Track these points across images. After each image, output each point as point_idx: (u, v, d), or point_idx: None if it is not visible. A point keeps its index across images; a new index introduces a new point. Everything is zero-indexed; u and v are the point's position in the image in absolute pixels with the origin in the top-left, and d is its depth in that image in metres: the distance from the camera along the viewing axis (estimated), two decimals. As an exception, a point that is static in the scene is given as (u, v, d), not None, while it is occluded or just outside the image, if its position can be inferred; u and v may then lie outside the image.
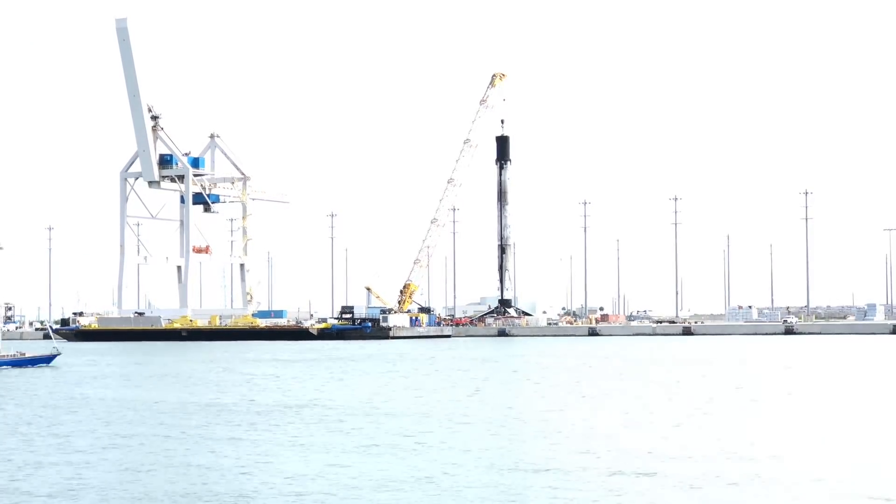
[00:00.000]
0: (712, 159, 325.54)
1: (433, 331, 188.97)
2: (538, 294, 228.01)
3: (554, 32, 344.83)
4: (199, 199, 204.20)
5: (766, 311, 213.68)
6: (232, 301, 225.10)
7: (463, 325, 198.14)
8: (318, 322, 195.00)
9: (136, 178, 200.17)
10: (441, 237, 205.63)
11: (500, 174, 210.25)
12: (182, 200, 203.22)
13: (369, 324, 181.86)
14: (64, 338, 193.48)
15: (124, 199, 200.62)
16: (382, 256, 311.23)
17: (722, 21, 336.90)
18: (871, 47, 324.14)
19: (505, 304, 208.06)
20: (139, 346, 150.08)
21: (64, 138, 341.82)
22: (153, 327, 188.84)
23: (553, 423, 44.48)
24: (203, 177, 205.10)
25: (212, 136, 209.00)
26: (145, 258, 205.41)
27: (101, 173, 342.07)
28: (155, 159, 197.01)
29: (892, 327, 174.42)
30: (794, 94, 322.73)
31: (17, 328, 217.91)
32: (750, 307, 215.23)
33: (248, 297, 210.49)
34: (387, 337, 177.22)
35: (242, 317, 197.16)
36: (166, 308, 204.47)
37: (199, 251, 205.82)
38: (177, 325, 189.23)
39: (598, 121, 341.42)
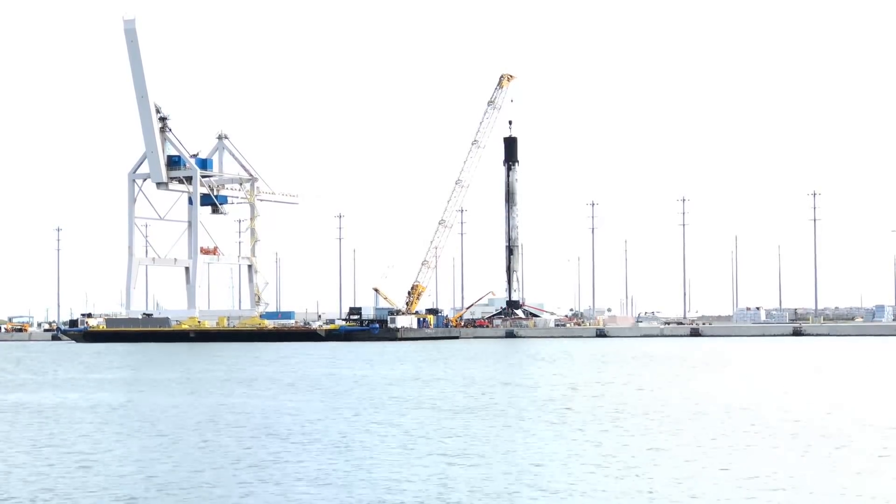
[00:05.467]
0: (720, 160, 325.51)
1: (441, 332, 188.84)
2: (546, 295, 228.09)
3: (562, 34, 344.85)
4: (207, 200, 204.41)
5: (773, 312, 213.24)
6: (240, 302, 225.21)
7: (469, 327, 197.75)
8: (326, 323, 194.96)
9: (145, 180, 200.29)
10: (449, 238, 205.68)
11: (508, 175, 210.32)
12: (190, 202, 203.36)
13: (377, 325, 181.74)
14: (72, 339, 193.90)
15: (132, 200, 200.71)
16: (390, 257, 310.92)
17: (729, 22, 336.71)
18: (879, 48, 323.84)
19: (513, 305, 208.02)
20: (165, 348, 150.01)
21: (72, 139, 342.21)
22: (161, 328, 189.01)
23: None
24: (211, 178, 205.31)
25: (220, 137, 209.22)
26: (153, 259, 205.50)
27: (110, 174, 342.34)
28: (163, 161, 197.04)
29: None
30: (802, 95, 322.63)
31: None
32: (758, 308, 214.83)
33: (256, 299, 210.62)
34: (395, 338, 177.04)
35: (250, 318, 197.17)
36: (174, 309, 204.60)
37: (207, 252, 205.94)
38: (185, 327, 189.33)
39: (606, 122, 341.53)
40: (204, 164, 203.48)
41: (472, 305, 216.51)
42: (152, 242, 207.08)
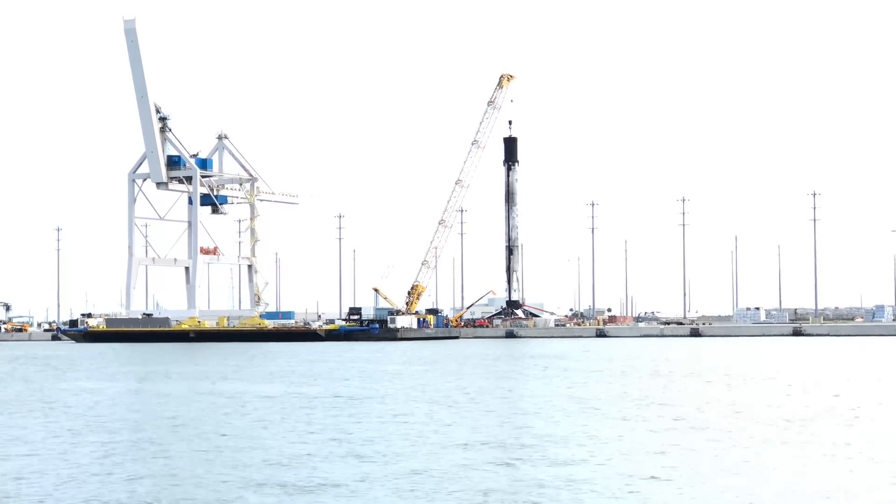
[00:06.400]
0: (720, 160, 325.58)
1: (441, 332, 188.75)
2: (546, 295, 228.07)
3: (562, 34, 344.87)
4: (207, 200, 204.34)
5: (773, 312, 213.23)
6: (240, 302, 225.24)
7: (469, 327, 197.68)
8: (326, 323, 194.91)
9: (144, 180, 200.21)
10: (449, 238, 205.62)
11: (508, 175, 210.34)
12: (190, 201, 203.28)
13: (377, 325, 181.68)
14: (72, 339, 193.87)
15: (132, 200, 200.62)
16: (390, 257, 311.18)
17: (730, 22, 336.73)
18: (879, 48, 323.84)
19: (513, 305, 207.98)
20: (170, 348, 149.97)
21: (72, 139, 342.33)
22: (161, 328, 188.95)
23: None
24: (211, 178, 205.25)
25: (220, 137, 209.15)
26: (153, 259, 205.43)
27: (110, 174, 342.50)
28: (163, 160, 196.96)
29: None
30: (801, 96, 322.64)
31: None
32: (758, 308, 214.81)
33: (256, 299, 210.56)
34: (395, 338, 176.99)
35: (250, 318, 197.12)
36: (174, 309, 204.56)
37: (206, 252, 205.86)
38: (185, 327, 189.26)
39: (606, 122, 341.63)
40: (204, 164, 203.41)
41: (472, 305, 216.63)
42: (152, 242, 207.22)
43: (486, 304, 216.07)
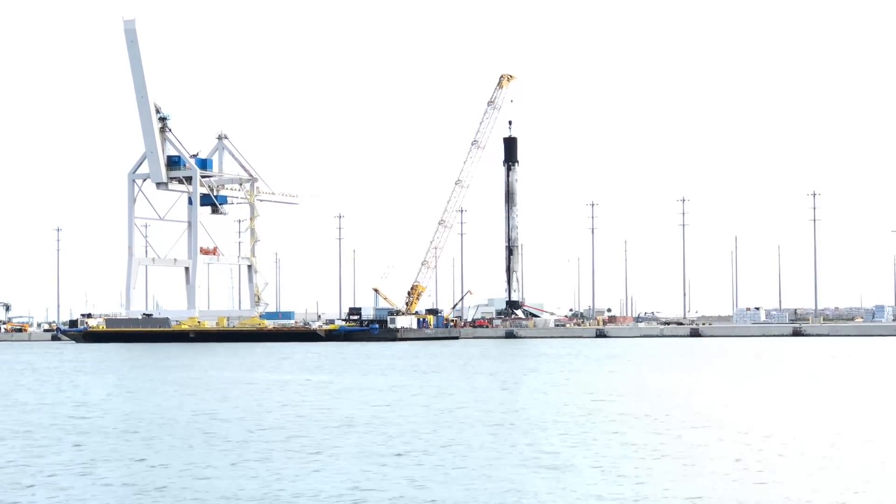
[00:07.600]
0: (720, 160, 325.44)
1: (441, 332, 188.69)
2: (546, 295, 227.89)
3: (562, 34, 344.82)
4: (206, 200, 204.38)
5: (773, 312, 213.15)
6: (240, 302, 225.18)
7: (468, 327, 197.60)
8: (326, 323, 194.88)
9: (144, 180, 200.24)
10: (448, 238, 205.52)
11: (508, 175, 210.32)
12: (190, 202, 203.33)
13: (377, 325, 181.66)
14: (72, 339, 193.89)
15: (132, 200, 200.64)
16: (390, 257, 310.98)
17: (729, 23, 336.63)
18: (879, 48, 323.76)
19: (513, 305, 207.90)
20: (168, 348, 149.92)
21: (72, 139, 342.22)
22: (161, 328, 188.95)
23: None
24: (211, 178, 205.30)
25: (220, 138, 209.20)
26: (153, 259, 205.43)
27: (109, 174, 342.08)
28: (163, 161, 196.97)
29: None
30: (801, 95, 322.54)
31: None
32: (758, 309, 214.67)
33: (256, 299, 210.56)
34: (395, 339, 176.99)
35: (250, 318, 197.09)
36: (174, 309, 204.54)
37: (206, 252, 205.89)
38: (185, 327, 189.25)
39: (606, 122, 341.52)
40: (204, 164, 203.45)
41: (454, 306, 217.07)
42: (152, 242, 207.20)
43: (487, 305, 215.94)
